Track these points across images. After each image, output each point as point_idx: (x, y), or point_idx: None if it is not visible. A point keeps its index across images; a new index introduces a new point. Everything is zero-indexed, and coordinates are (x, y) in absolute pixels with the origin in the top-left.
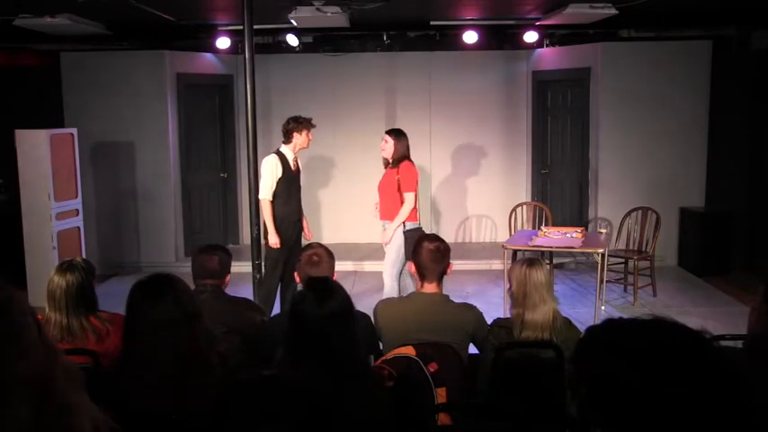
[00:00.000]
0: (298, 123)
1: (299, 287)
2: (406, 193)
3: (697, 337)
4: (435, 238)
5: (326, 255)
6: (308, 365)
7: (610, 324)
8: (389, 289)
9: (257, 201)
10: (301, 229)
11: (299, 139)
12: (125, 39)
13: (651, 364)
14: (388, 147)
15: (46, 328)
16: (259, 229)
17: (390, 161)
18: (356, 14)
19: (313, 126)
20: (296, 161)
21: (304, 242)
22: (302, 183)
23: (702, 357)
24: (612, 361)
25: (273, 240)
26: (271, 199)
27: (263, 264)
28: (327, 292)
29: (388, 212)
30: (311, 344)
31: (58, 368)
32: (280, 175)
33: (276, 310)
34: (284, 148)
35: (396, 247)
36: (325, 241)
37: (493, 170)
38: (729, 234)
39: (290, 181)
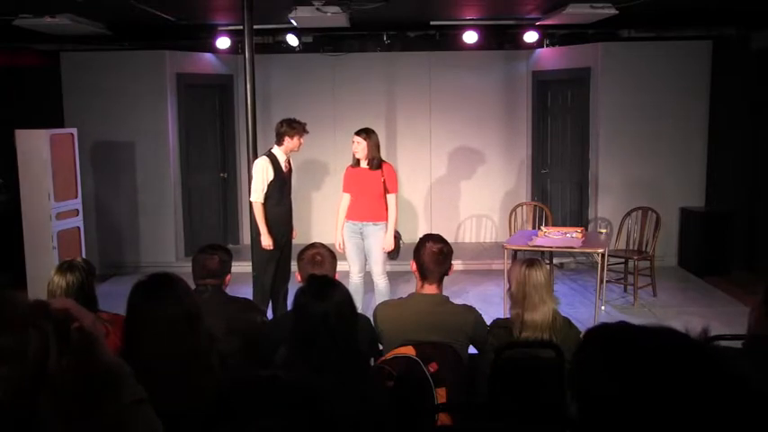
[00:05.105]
0: (291, 128)
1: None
2: (393, 194)
3: (699, 348)
4: (439, 239)
5: (329, 255)
6: (310, 363)
7: (608, 334)
8: (385, 287)
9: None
10: (291, 229)
11: (290, 143)
12: (125, 39)
13: (650, 380)
14: (361, 148)
15: None
16: (255, 231)
17: (368, 162)
18: (356, 14)
19: (306, 132)
20: (288, 162)
21: (294, 241)
22: (295, 183)
23: (705, 371)
24: (610, 376)
25: (267, 242)
26: (262, 201)
27: (254, 265)
28: (327, 288)
29: (372, 213)
30: (313, 339)
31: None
32: (271, 177)
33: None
34: (276, 150)
35: (380, 244)
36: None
37: (493, 170)
38: (729, 234)
39: (281, 183)
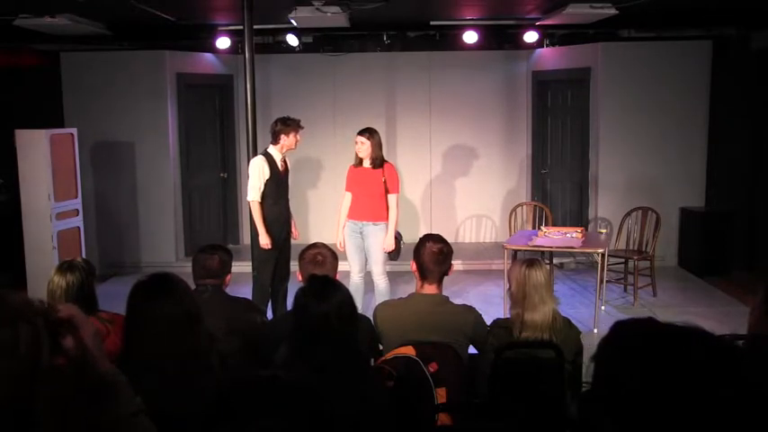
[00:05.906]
0: (285, 125)
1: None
2: (395, 194)
3: (724, 350)
4: (439, 239)
5: (330, 255)
6: (310, 363)
7: (632, 330)
8: (385, 287)
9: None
10: (290, 228)
11: (286, 140)
12: (125, 39)
13: (675, 378)
14: (365, 148)
15: None
16: (254, 231)
17: (370, 161)
18: (356, 14)
19: (301, 128)
20: (284, 162)
21: (293, 241)
22: (295, 182)
23: (727, 373)
24: (632, 371)
25: (264, 241)
26: (259, 200)
27: (254, 264)
28: (328, 288)
29: (372, 213)
30: (313, 339)
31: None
32: (267, 176)
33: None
34: (272, 149)
35: (380, 244)
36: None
37: (493, 170)
38: (729, 234)
39: (278, 182)
